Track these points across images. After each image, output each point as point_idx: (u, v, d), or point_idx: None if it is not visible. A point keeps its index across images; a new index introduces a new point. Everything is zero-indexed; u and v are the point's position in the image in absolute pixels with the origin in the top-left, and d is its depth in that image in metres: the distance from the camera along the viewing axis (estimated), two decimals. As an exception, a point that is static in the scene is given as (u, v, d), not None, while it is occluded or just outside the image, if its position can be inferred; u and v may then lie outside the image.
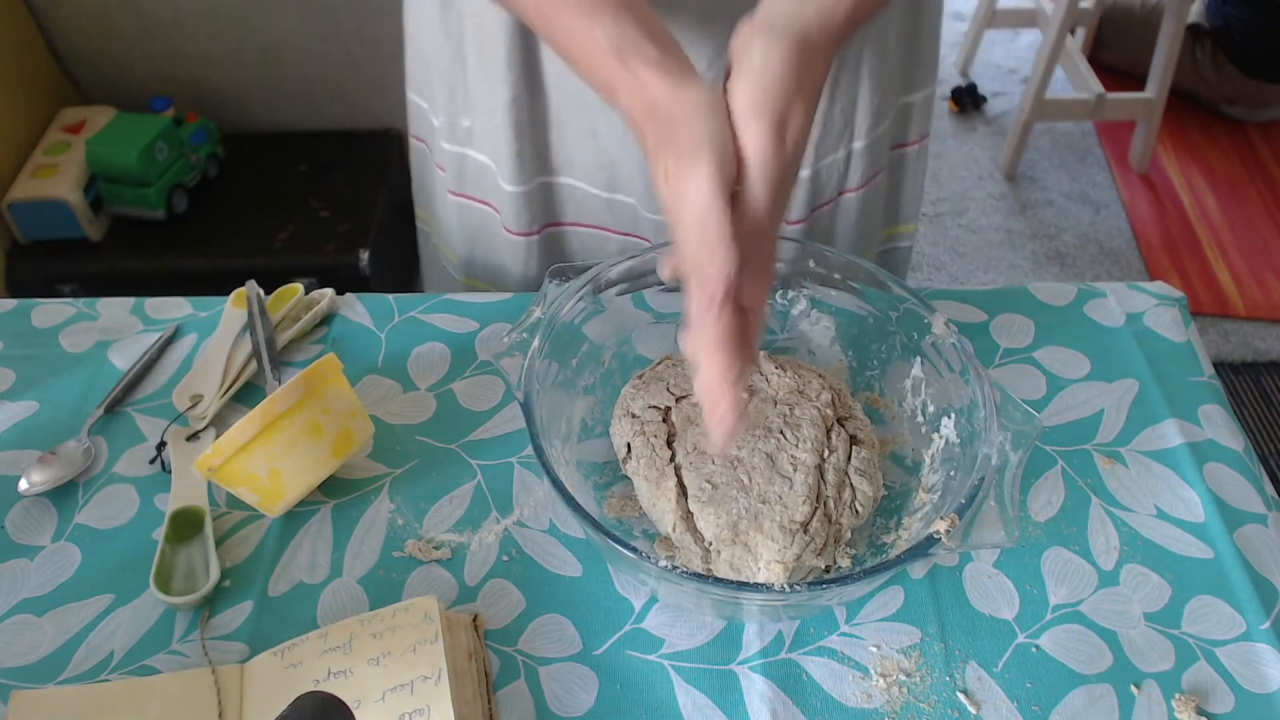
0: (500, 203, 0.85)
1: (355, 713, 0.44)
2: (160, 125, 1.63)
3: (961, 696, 0.57)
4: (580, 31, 0.53)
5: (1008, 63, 2.76)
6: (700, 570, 0.60)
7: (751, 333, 0.53)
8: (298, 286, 0.80)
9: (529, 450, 0.70)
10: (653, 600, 0.62)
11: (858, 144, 0.82)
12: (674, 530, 0.61)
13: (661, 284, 0.71)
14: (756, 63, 0.50)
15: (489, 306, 0.80)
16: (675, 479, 0.62)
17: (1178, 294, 0.81)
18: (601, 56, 0.53)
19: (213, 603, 0.62)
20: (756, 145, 0.50)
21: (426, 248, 1.02)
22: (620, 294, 0.69)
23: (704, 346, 0.51)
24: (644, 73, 0.51)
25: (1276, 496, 0.68)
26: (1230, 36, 2.38)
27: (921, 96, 0.86)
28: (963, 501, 0.55)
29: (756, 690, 0.58)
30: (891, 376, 0.70)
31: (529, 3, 0.56)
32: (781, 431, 0.64)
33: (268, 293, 0.79)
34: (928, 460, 0.65)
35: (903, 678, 0.58)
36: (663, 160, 0.51)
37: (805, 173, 0.81)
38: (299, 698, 0.43)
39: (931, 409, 0.66)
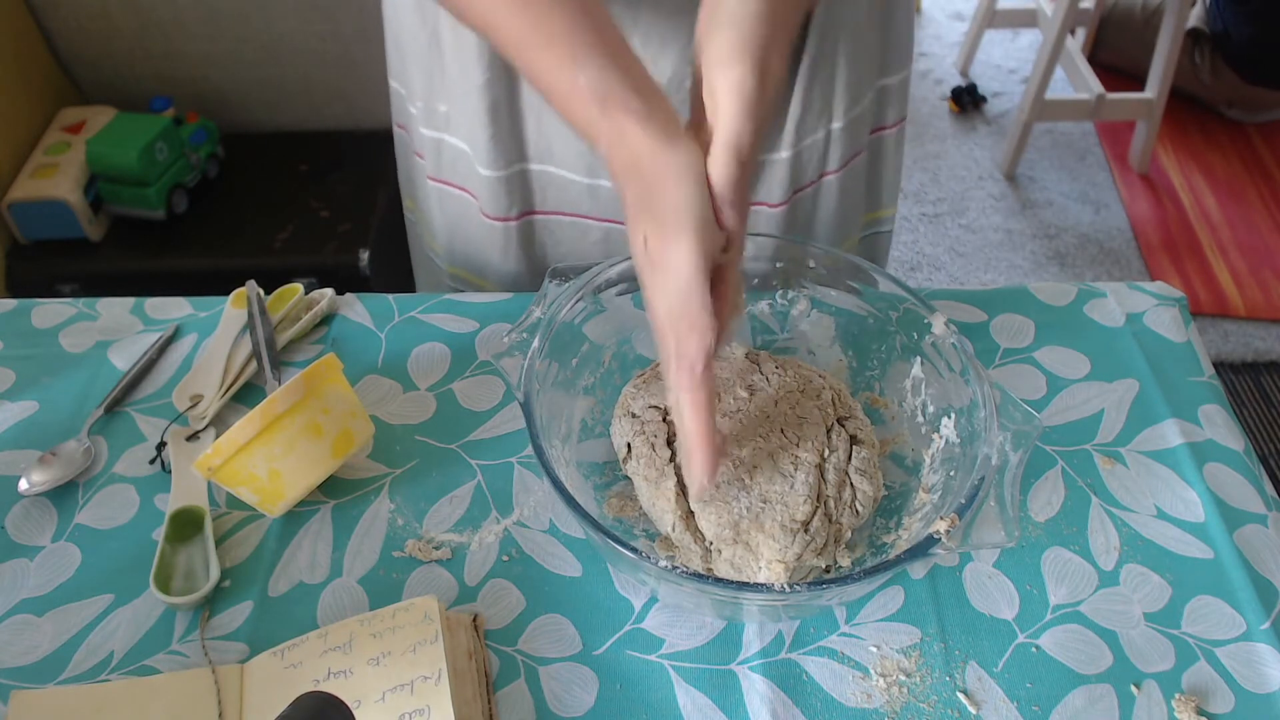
0: (477, 188, 0.85)
1: (355, 713, 0.44)
2: (160, 125, 1.63)
3: (961, 696, 0.57)
4: (561, 73, 0.53)
5: (1008, 63, 2.76)
6: (700, 570, 0.60)
7: (731, 293, 0.55)
8: (298, 286, 0.80)
9: (529, 450, 0.70)
10: (653, 600, 0.62)
11: (836, 125, 0.82)
12: (674, 530, 0.61)
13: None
14: (732, 9, 0.50)
15: (489, 306, 0.80)
16: (675, 479, 0.62)
17: (1178, 294, 0.81)
18: (583, 102, 0.52)
19: (213, 603, 0.62)
20: (740, 85, 0.50)
21: (414, 237, 1.02)
22: (620, 294, 0.69)
23: (686, 408, 0.53)
24: (627, 125, 0.51)
25: (1276, 496, 0.68)
26: (1229, 42, 2.38)
27: (898, 79, 0.87)
28: (963, 501, 0.55)
29: (756, 690, 0.58)
30: (891, 376, 0.70)
31: (508, 38, 0.55)
32: (782, 431, 0.64)
33: (268, 293, 0.79)
34: (928, 460, 0.65)
35: (903, 678, 0.58)
36: (643, 226, 0.52)
37: (786, 154, 0.81)
38: (299, 698, 0.43)
39: (931, 409, 0.66)
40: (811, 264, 0.69)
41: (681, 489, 0.62)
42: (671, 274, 0.51)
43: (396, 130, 0.94)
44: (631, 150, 0.51)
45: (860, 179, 0.89)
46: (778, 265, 0.71)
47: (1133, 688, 0.58)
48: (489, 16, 0.56)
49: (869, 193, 0.92)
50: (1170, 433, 0.71)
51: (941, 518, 0.55)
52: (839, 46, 0.78)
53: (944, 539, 0.54)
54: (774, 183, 0.82)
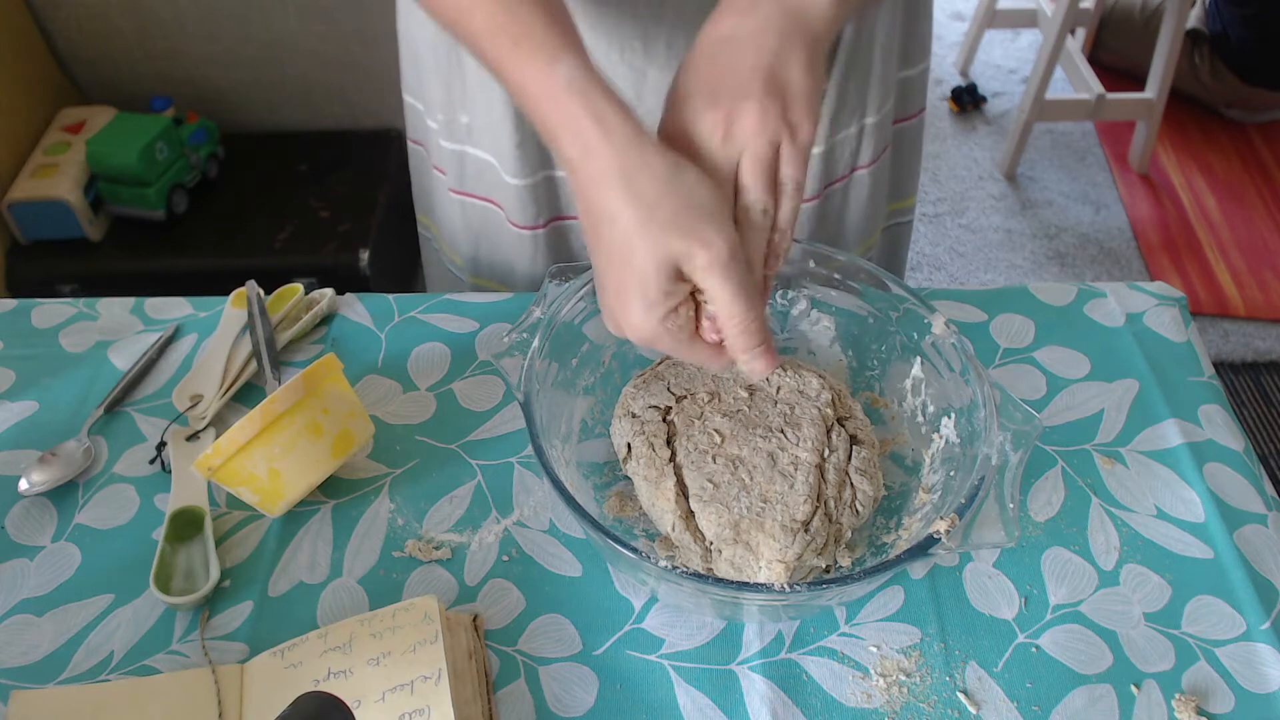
0: (503, 197, 0.85)
1: (355, 713, 0.44)
2: (160, 125, 1.63)
3: (961, 696, 0.57)
4: (535, 66, 0.52)
5: (1008, 63, 2.76)
6: (700, 570, 0.60)
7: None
8: (298, 286, 0.80)
9: (529, 450, 0.70)
10: (653, 600, 0.62)
11: (870, 120, 0.82)
12: (674, 530, 0.61)
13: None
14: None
15: (489, 306, 0.80)
16: (675, 479, 0.62)
17: (1178, 294, 0.81)
18: (555, 97, 0.51)
19: (213, 603, 0.62)
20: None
21: (429, 253, 1.02)
22: (620, 294, 0.69)
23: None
24: (609, 115, 0.50)
25: (1276, 496, 0.68)
26: (1228, 43, 2.38)
27: (918, 71, 0.87)
28: (963, 501, 0.55)
29: (756, 690, 0.58)
30: (891, 376, 0.70)
31: (480, 28, 0.54)
32: (782, 431, 0.64)
33: (268, 293, 0.79)
34: (928, 460, 0.65)
35: (903, 678, 0.58)
36: (657, 231, 0.50)
37: (819, 149, 0.81)
38: (299, 698, 0.43)
39: (931, 409, 0.66)
40: (812, 264, 0.69)
41: (681, 489, 0.62)
42: (729, 275, 0.50)
43: (412, 146, 0.94)
44: (620, 144, 0.50)
45: (886, 171, 0.90)
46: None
47: (1133, 688, 0.58)
48: (461, 4, 0.54)
49: (892, 183, 0.93)
50: (1170, 433, 0.71)
51: (941, 518, 0.55)
52: (875, 41, 0.78)
53: (944, 539, 0.53)
54: (807, 177, 0.83)
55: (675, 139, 0.53)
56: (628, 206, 0.50)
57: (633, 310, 0.52)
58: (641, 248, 0.50)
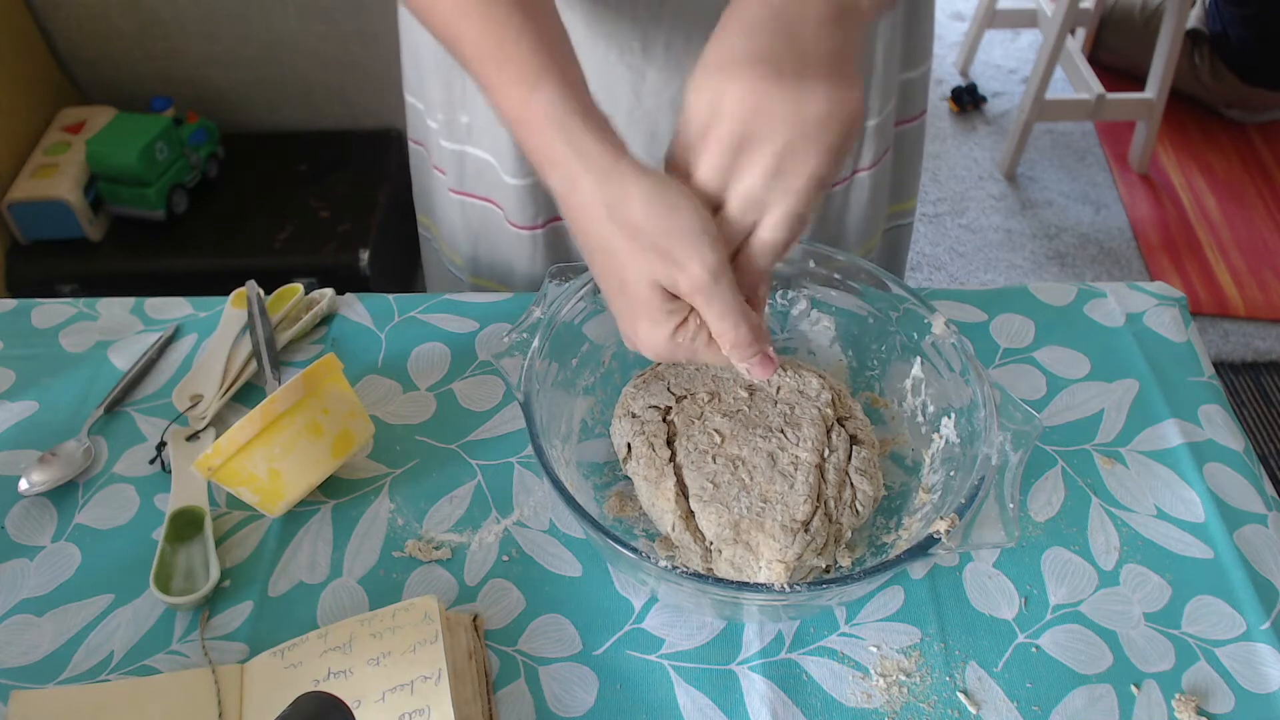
0: (503, 197, 0.85)
1: (355, 713, 0.44)
2: (160, 125, 1.63)
3: (961, 696, 0.57)
4: (516, 92, 0.52)
5: (1008, 63, 2.76)
6: (700, 570, 0.60)
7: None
8: (298, 286, 0.80)
9: (529, 450, 0.70)
10: (653, 600, 0.62)
11: (871, 122, 0.82)
12: (673, 530, 0.61)
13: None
14: None
15: (489, 306, 0.80)
16: (675, 479, 0.62)
17: (1178, 294, 0.81)
18: (539, 125, 0.51)
19: (213, 603, 0.62)
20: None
21: (429, 253, 1.02)
22: (620, 294, 0.69)
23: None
24: (589, 146, 0.50)
25: (1276, 496, 0.68)
26: (1228, 44, 2.38)
27: (919, 73, 0.87)
28: (963, 501, 0.55)
29: (756, 690, 0.58)
30: (891, 376, 0.70)
31: (469, 50, 0.54)
32: (782, 431, 0.64)
33: (268, 293, 0.79)
34: (928, 460, 0.65)
35: (903, 678, 0.58)
36: (646, 264, 0.50)
37: None
38: (299, 698, 0.43)
39: (931, 409, 0.66)
40: (812, 264, 0.69)
41: (681, 489, 0.62)
42: (715, 300, 0.50)
43: (413, 146, 0.94)
44: (600, 174, 0.50)
45: (887, 174, 0.90)
46: (778, 266, 0.71)
47: (1133, 688, 0.58)
48: (451, 26, 0.55)
49: (893, 185, 0.93)
50: (1170, 433, 0.71)
51: (941, 518, 0.55)
52: (876, 43, 0.78)
53: (944, 539, 0.54)
54: None
55: (711, 108, 0.49)
56: (614, 235, 0.50)
57: (641, 330, 0.54)
58: (633, 275, 0.51)
